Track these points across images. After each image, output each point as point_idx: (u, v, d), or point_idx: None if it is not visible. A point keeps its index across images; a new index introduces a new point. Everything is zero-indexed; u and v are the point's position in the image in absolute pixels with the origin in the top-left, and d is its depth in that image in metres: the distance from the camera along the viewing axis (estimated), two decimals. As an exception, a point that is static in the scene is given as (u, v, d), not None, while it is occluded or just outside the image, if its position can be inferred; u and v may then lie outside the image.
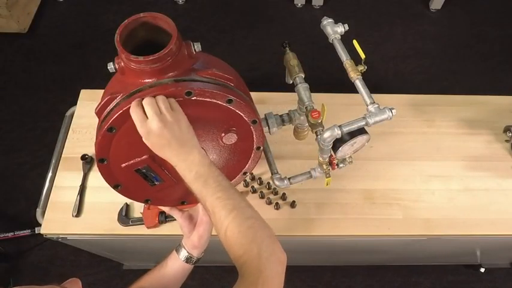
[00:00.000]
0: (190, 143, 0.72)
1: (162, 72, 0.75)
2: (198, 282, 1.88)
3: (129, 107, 0.71)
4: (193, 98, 0.74)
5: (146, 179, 0.87)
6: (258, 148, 0.96)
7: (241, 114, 0.84)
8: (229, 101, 0.79)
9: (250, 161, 0.99)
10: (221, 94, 0.77)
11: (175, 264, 0.90)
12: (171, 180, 0.89)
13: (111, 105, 0.77)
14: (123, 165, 0.82)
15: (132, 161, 0.82)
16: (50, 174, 1.28)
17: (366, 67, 0.91)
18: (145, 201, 0.95)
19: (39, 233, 1.20)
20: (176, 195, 0.97)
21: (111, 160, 0.81)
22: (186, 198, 0.98)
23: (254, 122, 0.87)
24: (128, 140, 0.77)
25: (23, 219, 1.99)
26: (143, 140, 0.71)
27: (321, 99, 1.00)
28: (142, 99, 0.71)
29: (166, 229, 1.18)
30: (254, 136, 0.92)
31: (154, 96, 0.71)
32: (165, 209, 0.97)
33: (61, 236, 1.21)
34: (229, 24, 2.68)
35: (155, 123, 0.68)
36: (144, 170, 0.84)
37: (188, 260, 0.90)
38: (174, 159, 0.72)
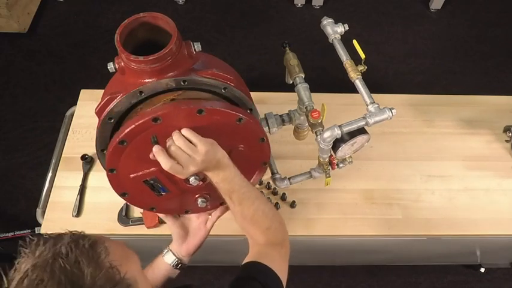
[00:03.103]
0: (215, 158, 0.78)
1: (162, 72, 0.75)
2: (198, 282, 1.88)
3: (142, 123, 0.73)
4: (204, 116, 0.75)
5: (153, 190, 0.88)
6: (265, 163, 0.97)
7: (250, 132, 0.85)
8: (239, 120, 0.80)
9: (255, 175, 1.00)
10: (232, 113, 0.78)
11: (162, 271, 0.92)
12: (177, 191, 0.90)
13: (111, 105, 0.77)
14: (132, 175, 0.83)
15: (140, 173, 0.82)
16: (50, 174, 1.28)
17: (365, 67, 0.91)
18: (151, 209, 0.97)
19: (39, 233, 1.20)
20: (181, 204, 0.97)
21: (120, 170, 0.81)
22: (190, 208, 0.98)
23: (262, 139, 0.88)
24: (138, 152, 0.77)
25: (23, 219, 1.99)
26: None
27: (321, 99, 1.00)
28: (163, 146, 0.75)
29: (166, 229, 1.18)
30: (261, 153, 0.93)
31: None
32: (160, 214, 0.98)
33: (61, 236, 1.21)
34: (229, 24, 2.68)
35: (192, 168, 0.75)
36: (151, 181, 0.85)
37: (177, 265, 0.92)
38: (204, 172, 0.81)
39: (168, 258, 0.92)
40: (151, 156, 0.74)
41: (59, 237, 0.56)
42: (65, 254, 0.52)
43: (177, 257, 0.92)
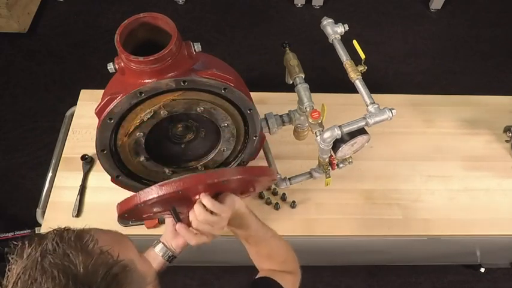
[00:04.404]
0: (234, 210, 0.79)
1: (162, 72, 0.75)
2: (198, 282, 1.88)
3: (165, 196, 0.72)
4: (225, 184, 0.77)
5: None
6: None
7: (265, 179, 0.87)
8: (258, 176, 0.82)
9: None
10: (251, 178, 0.81)
11: (154, 264, 0.90)
12: (187, 211, 0.91)
13: (111, 106, 0.77)
14: (145, 216, 0.86)
15: (152, 214, 0.85)
16: (50, 174, 1.27)
17: (365, 67, 0.91)
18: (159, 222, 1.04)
19: (39, 233, 1.20)
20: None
21: (132, 215, 0.83)
22: None
23: (274, 180, 0.91)
24: (153, 206, 0.78)
25: (23, 219, 1.98)
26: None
27: (321, 99, 1.00)
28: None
29: (166, 229, 1.18)
30: (267, 181, 0.94)
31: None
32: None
33: (61, 236, 1.21)
34: (229, 24, 2.68)
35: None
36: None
37: (168, 257, 0.91)
38: None
39: (159, 250, 0.90)
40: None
41: (43, 235, 0.56)
42: (52, 249, 0.52)
43: (168, 249, 0.90)
